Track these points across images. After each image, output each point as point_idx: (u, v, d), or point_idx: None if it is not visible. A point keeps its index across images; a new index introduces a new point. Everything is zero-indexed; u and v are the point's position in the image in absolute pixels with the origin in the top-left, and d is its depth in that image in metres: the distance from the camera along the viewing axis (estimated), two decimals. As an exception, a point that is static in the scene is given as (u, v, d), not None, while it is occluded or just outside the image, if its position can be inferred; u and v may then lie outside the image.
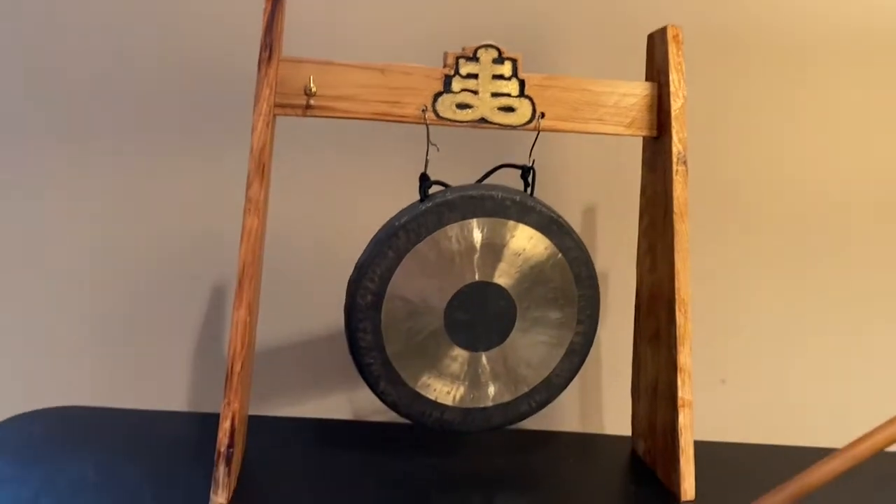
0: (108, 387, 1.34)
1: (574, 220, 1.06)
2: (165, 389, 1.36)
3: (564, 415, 1.37)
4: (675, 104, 1.02)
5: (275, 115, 0.95)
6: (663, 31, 1.03)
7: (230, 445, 0.92)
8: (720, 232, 1.37)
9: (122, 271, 1.35)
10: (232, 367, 0.92)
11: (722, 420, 1.24)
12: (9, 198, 1.33)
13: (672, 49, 1.02)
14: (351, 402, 1.36)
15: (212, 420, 0.98)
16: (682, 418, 1.01)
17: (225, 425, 0.92)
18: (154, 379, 1.36)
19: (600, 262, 1.07)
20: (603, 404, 1.41)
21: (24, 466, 0.99)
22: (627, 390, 1.19)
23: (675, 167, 1.02)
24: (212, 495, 0.91)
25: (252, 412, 1.09)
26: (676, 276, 1.02)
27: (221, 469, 0.91)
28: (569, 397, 1.15)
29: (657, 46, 1.05)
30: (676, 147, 1.02)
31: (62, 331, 1.36)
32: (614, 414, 1.36)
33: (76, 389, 1.32)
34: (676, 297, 1.01)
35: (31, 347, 1.35)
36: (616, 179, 1.34)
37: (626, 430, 1.20)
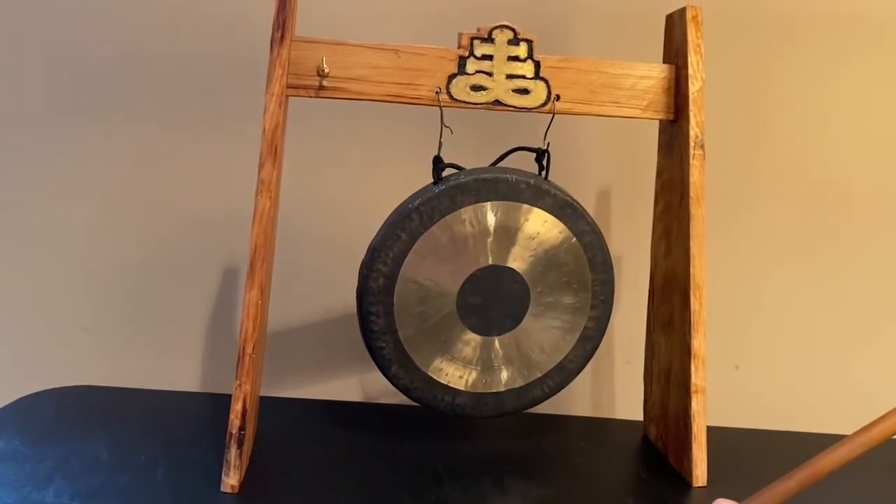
0: (120, 367, 1.35)
1: (588, 204, 1.05)
2: (178, 370, 1.37)
3: (576, 399, 1.37)
4: (694, 87, 1.00)
5: (287, 96, 0.94)
6: (682, 11, 1.01)
7: (242, 428, 0.92)
8: (735, 217, 1.35)
9: (135, 252, 1.35)
10: (244, 349, 0.92)
11: (735, 406, 1.23)
12: (23, 178, 1.33)
13: (691, 30, 1.00)
14: (361, 384, 1.36)
15: (223, 400, 0.98)
16: (695, 404, 1.01)
17: (237, 407, 0.92)
18: (166, 359, 1.37)
19: (614, 247, 1.06)
20: (615, 389, 1.40)
21: (39, 445, 1.00)
22: (640, 375, 1.19)
23: (692, 151, 1.00)
24: (223, 477, 0.91)
25: (263, 393, 1.09)
26: (692, 262, 1.00)
27: (233, 451, 0.92)
28: (581, 382, 1.14)
29: (676, 27, 1.03)
30: (694, 131, 1.00)
31: (75, 310, 1.36)
32: (626, 399, 1.36)
33: (89, 369, 1.33)
34: (691, 282, 1.00)
35: (44, 327, 1.36)
36: (630, 163, 1.32)
37: (637, 415, 1.19)
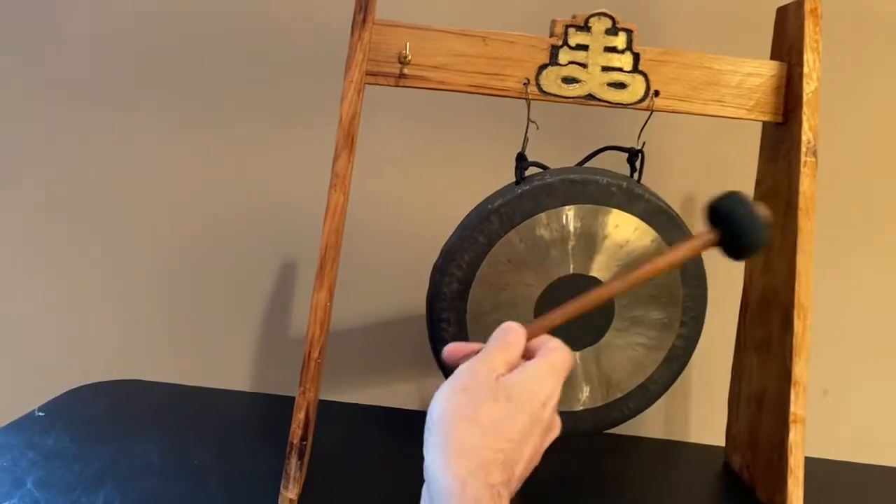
0: (169, 362, 1.30)
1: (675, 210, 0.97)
2: (227, 367, 1.32)
3: (648, 420, 1.28)
4: (808, 87, 0.91)
5: (365, 84, 0.88)
6: (799, 3, 0.91)
7: (304, 438, 0.86)
8: (841, 231, 1.24)
9: (191, 244, 1.30)
10: (309, 354, 0.85)
11: (822, 435, 1.13)
12: (74, 173, 1.29)
13: (809, 25, 0.90)
14: (420, 391, 1.30)
15: (275, 401, 0.93)
16: (794, 435, 0.92)
17: (299, 416, 0.86)
18: (216, 356, 1.32)
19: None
20: (690, 411, 1.31)
21: (88, 443, 0.95)
22: (717, 397, 1.10)
23: (803, 158, 0.91)
24: (282, 490, 0.85)
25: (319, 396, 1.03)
26: (797, 279, 0.91)
27: (293, 463, 0.85)
28: (655, 401, 1.06)
29: (790, 21, 0.94)
30: (806, 135, 0.91)
31: (126, 303, 1.32)
32: (702, 422, 1.27)
33: (137, 363, 1.28)
34: (795, 301, 0.91)
35: (95, 319, 1.32)
36: (722, 168, 1.23)
37: (714, 439, 1.11)
